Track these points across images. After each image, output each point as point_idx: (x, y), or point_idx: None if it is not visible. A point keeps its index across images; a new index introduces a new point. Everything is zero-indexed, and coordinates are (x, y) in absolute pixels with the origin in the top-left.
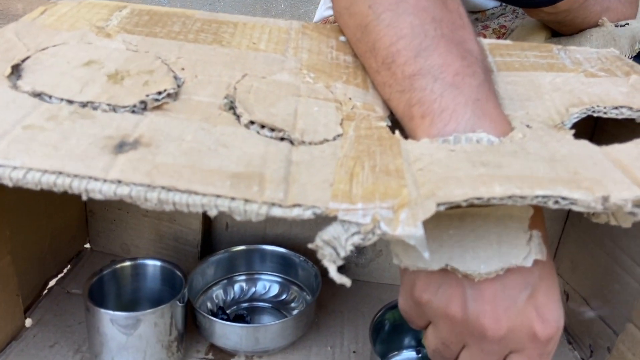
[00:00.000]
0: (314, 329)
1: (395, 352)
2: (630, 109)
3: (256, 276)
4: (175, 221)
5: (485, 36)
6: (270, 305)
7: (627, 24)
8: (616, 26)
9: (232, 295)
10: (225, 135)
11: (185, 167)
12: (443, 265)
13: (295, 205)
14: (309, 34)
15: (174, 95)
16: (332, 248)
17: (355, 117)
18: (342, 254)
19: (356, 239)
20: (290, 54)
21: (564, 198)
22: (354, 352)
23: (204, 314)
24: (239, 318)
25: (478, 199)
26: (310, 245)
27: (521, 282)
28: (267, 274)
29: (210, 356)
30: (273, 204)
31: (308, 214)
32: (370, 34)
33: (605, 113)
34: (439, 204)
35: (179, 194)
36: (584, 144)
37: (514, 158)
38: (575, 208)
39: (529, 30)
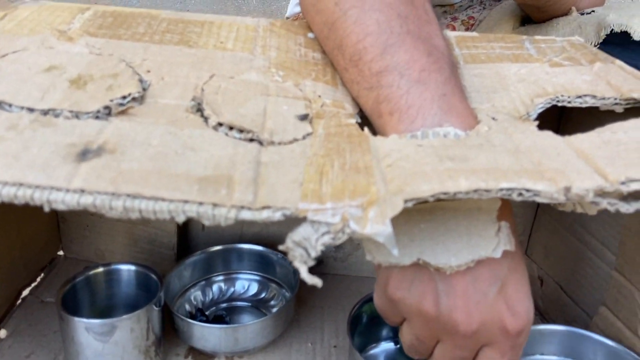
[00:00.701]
0: (294, 325)
1: (374, 345)
2: (594, 97)
3: (234, 276)
4: (150, 224)
5: (454, 28)
6: (249, 304)
7: (593, 11)
8: (582, 14)
9: (210, 296)
10: (192, 138)
11: (152, 172)
12: (415, 260)
13: (264, 207)
14: (277, 31)
15: (139, 99)
16: (302, 249)
17: (324, 114)
18: (313, 254)
19: (326, 239)
20: (258, 52)
21: (527, 190)
22: (335, 346)
23: (182, 316)
24: (218, 319)
25: (444, 193)
26: (280, 247)
27: (491, 275)
28: (246, 273)
29: (189, 359)
30: (242, 207)
31: (278, 216)
32: (337, 31)
33: (569, 102)
34: (406, 201)
35: (145, 201)
36: (548, 134)
37: (480, 151)
38: (538, 199)
39: (497, 21)
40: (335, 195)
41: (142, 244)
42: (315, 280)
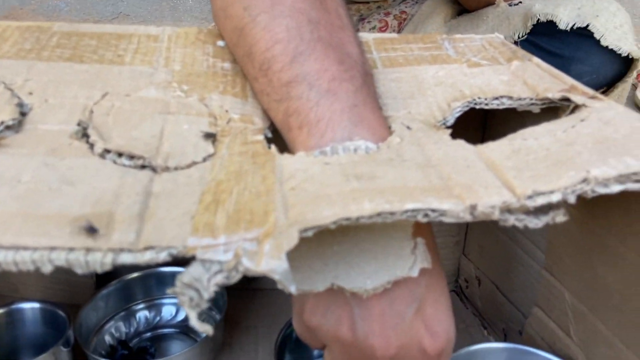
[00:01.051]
0: (225, 350)
1: None
2: (510, 98)
3: (159, 302)
4: None
5: (387, 23)
6: (178, 330)
7: (520, 2)
8: (510, 5)
9: (134, 327)
10: (73, 169)
11: (16, 216)
12: (329, 285)
13: (147, 248)
14: (183, 41)
15: (15, 127)
16: (194, 290)
17: (230, 131)
18: (206, 296)
19: (219, 279)
20: (160, 65)
21: (433, 210)
22: None
23: (95, 357)
24: (142, 351)
25: (347, 219)
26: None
27: (408, 296)
28: (171, 297)
29: None
30: (121, 250)
31: (163, 257)
32: (247, 38)
33: (486, 105)
34: (305, 230)
35: (3, 251)
36: (460, 144)
37: (389, 167)
38: (445, 219)
39: (428, 14)
40: (229, 227)
41: (58, 274)
42: (206, 328)
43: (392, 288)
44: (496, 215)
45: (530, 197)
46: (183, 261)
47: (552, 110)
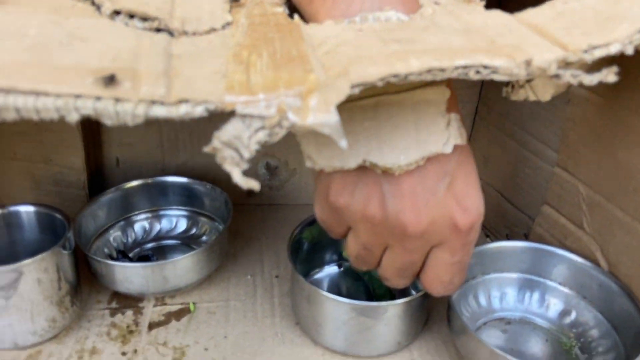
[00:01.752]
0: (230, 259)
1: (317, 269)
2: None
3: (159, 212)
4: (52, 161)
5: None
6: (179, 242)
7: None
8: None
9: (133, 237)
10: (82, 28)
11: (30, 64)
12: (360, 162)
13: (181, 101)
14: None
15: None
16: (233, 149)
17: (246, 2)
18: (247, 155)
19: (261, 136)
20: None
21: (485, 67)
22: (277, 276)
23: (98, 258)
24: (143, 259)
25: (395, 76)
26: (205, 149)
27: (440, 172)
28: (172, 208)
29: (114, 305)
30: (153, 102)
31: (199, 111)
32: None
33: None
34: (353, 86)
35: (22, 96)
36: (497, 13)
37: (427, 33)
38: (497, 77)
39: None
40: (267, 86)
41: (46, 185)
42: (252, 184)
43: (424, 164)
44: (552, 70)
45: (586, 51)
46: (187, 172)
47: None
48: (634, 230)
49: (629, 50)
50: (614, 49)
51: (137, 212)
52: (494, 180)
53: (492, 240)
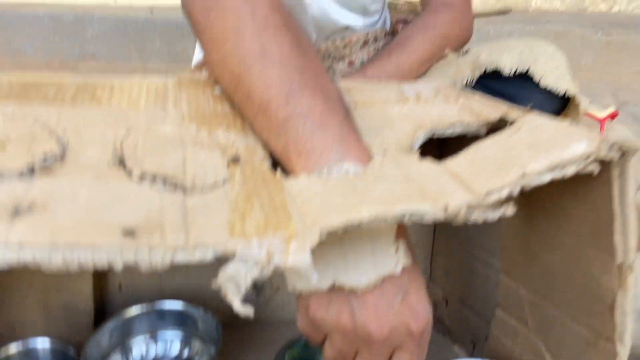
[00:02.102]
0: None
1: None
2: (462, 123)
3: (155, 336)
4: (64, 289)
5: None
6: None
7: (467, 51)
8: (458, 56)
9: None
10: (119, 191)
11: (86, 223)
12: (331, 283)
13: (196, 247)
14: (186, 87)
15: (60, 157)
16: (233, 284)
17: (240, 160)
18: (244, 288)
19: (255, 273)
20: (170, 107)
21: (414, 213)
22: None
23: None
24: None
25: (351, 225)
26: (213, 285)
27: (395, 288)
28: (167, 330)
29: None
30: (176, 249)
31: (210, 254)
32: (244, 85)
33: (443, 132)
34: (322, 234)
35: (83, 251)
36: (428, 162)
37: (376, 183)
38: (426, 220)
39: None
40: (259, 232)
41: (57, 312)
42: (247, 310)
43: (382, 283)
44: (463, 212)
45: (486, 195)
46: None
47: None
48: (566, 325)
49: (515, 192)
50: (504, 193)
51: (135, 336)
52: (455, 291)
53: (460, 348)
